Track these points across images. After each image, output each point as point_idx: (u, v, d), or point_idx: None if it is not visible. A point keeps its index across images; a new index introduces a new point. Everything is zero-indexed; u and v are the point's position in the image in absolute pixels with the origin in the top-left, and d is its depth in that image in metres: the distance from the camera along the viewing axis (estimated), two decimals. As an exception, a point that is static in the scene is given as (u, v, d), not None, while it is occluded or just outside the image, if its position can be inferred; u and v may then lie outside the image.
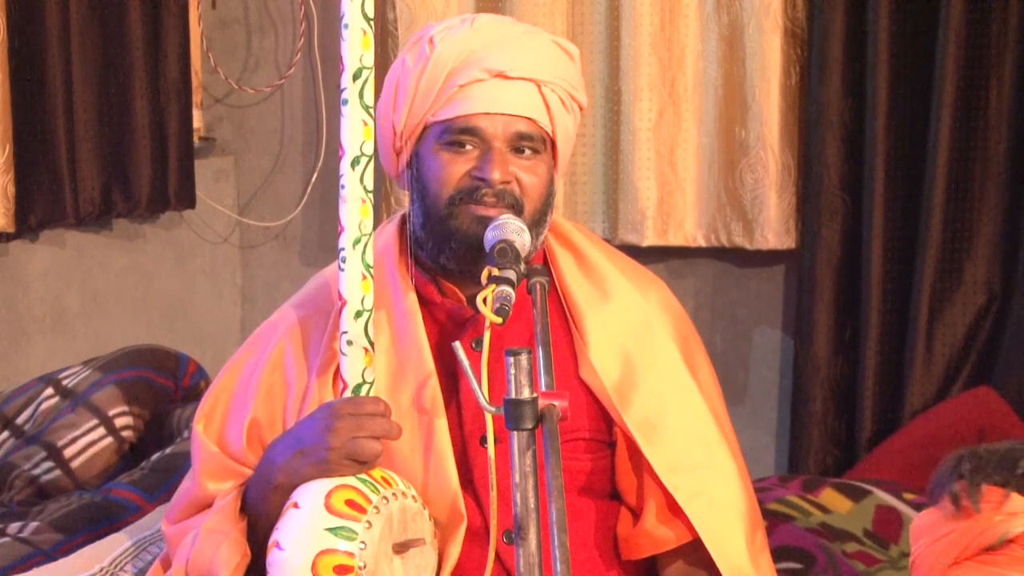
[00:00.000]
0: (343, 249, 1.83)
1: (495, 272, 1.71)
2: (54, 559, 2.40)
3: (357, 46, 1.82)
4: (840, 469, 3.22)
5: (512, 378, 1.54)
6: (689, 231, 3.40)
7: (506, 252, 1.74)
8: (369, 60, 1.82)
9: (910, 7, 3.10)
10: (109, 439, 2.82)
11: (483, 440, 1.90)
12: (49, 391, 2.91)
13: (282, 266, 3.87)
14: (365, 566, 1.74)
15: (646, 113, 3.37)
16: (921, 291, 3.11)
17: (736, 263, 3.48)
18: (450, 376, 1.93)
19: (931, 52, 3.06)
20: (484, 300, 1.66)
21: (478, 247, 1.84)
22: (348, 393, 1.85)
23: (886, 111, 3.11)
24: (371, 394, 1.86)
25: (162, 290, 3.70)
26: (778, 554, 2.40)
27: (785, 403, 3.43)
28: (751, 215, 3.33)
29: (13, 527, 2.53)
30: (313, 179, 3.78)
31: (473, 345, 1.91)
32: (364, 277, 1.84)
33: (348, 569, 1.73)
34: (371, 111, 1.83)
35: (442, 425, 1.89)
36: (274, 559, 1.77)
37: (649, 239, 3.40)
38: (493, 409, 1.60)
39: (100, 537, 2.44)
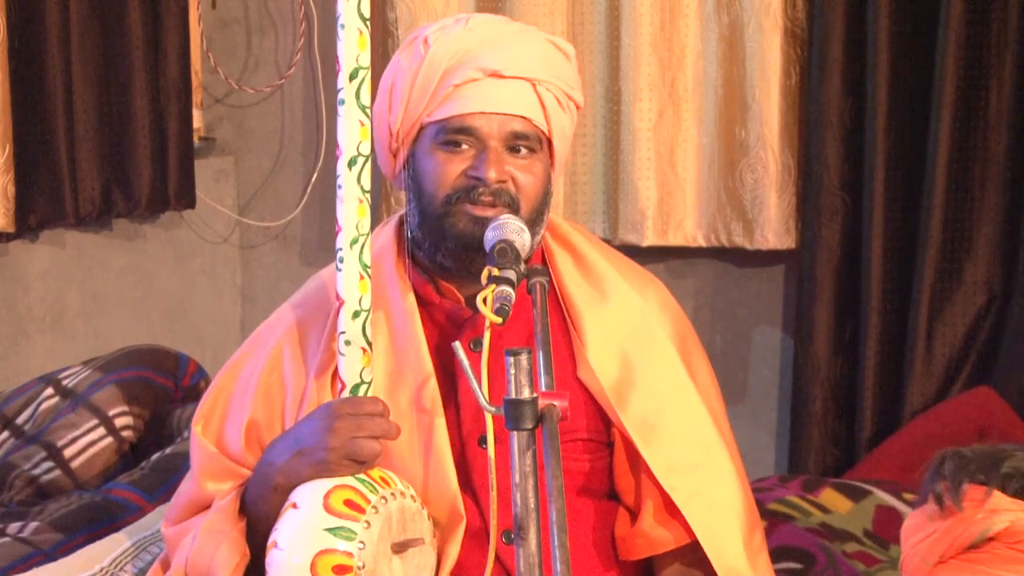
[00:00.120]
0: (340, 249, 1.83)
1: (495, 272, 1.71)
2: (54, 559, 2.40)
3: (353, 46, 1.81)
4: (840, 469, 3.21)
5: (512, 378, 1.53)
6: (689, 231, 3.40)
7: (506, 252, 1.74)
8: (365, 60, 1.82)
9: (910, 7, 3.09)
10: (109, 439, 2.82)
11: (482, 440, 1.90)
12: (49, 391, 2.91)
13: (282, 266, 3.87)
14: (364, 566, 1.74)
15: (646, 113, 3.36)
16: (921, 291, 3.10)
17: (736, 263, 3.47)
18: (449, 376, 1.93)
19: (931, 52, 3.06)
20: (484, 300, 1.66)
21: (475, 247, 1.85)
22: (346, 393, 1.85)
23: (886, 111, 3.10)
24: (369, 394, 1.86)
25: (162, 290, 3.70)
26: (778, 554, 2.40)
27: (785, 403, 3.43)
28: (751, 215, 3.33)
29: (13, 527, 2.53)
30: (313, 179, 3.78)
31: (471, 345, 1.91)
32: (362, 277, 1.84)
33: (347, 569, 1.73)
34: (368, 111, 1.83)
35: (441, 425, 1.89)
36: (273, 559, 1.77)
37: (649, 239, 3.39)
38: (493, 409, 1.60)
39: (100, 537, 2.43)
